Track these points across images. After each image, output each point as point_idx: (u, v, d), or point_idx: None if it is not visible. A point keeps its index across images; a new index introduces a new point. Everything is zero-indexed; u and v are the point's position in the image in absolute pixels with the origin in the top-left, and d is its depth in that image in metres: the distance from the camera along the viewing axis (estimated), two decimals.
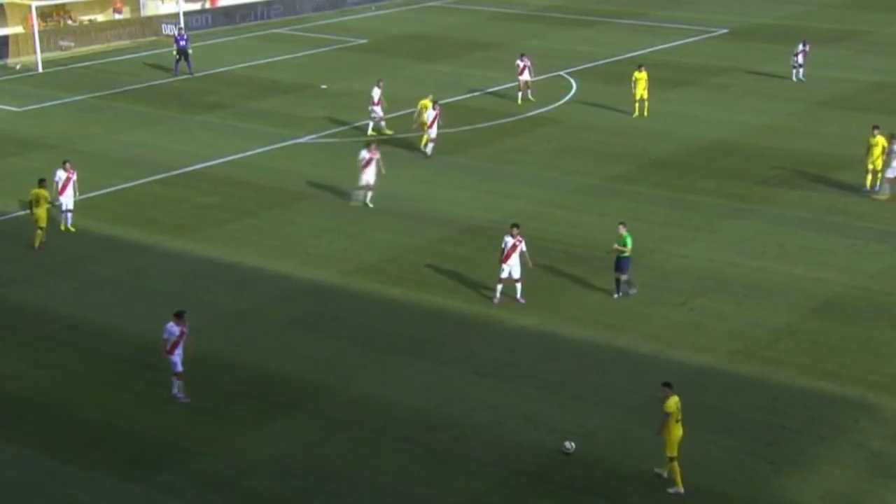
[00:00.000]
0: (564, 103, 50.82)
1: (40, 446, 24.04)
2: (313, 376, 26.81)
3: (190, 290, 31.51)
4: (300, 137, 45.52)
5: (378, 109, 45.46)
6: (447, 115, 47.60)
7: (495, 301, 30.11)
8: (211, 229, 35.90)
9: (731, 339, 28.50)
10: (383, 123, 45.91)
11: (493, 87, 53.56)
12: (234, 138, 45.55)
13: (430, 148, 42.77)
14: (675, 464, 22.34)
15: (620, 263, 30.56)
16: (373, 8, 75.54)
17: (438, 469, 23.22)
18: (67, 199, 35.73)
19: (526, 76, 50.82)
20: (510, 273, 30.02)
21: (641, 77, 48.16)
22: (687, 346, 28.20)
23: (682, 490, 22.33)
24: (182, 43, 56.31)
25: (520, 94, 50.75)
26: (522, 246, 29.96)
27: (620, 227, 30.68)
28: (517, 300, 30.15)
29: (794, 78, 54.28)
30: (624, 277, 30.65)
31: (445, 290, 30.89)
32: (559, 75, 55.45)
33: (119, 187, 39.07)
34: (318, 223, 36.50)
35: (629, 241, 30.34)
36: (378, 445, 24.05)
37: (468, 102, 50.75)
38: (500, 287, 30.18)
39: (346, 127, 46.99)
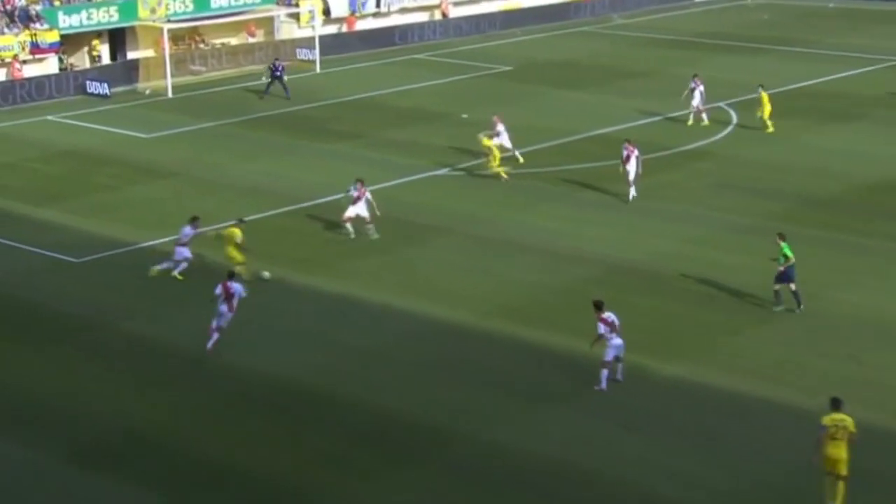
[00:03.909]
0: (723, 137, 50.20)
1: (159, 487, 24.41)
2: (444, 422, 26.77)
3: (316, 328, 31.81)
4: (437, 169, 45.76)
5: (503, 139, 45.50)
6: (594, 146, 47.51)
7: (599, 387, 28.00)
8: (340, 264, 36.23)
9: None
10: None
11: (645, 118, 53.19)
12: (366, 169, 45.81)
13: (631, 192, 41.44)
14: (841, 483, 22.69)
15: (786, 275, 31.83)
16: (518, 33, 75.86)
17: None
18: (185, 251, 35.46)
19: (695, 101, 51.15)
20: (617, 353, 28.02)
21: (765, 98, 49.95)
22: (853, 402, 27.24)
23: None
24: (277, 73, 58.09)
25: (692, 116, 51.56)
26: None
27: (778, 238, 32.12)
28: (617, 380, 28.36)
29: None
30: (793, 287, 31.80)
31: (589, 335, 30.57)
32: (718, 107, 54.79)
33: (248, 218, 39.66)
34: (454, 260, 36.57)
35: (788, 252, 31.78)
36: (513, 499, 23.83)
37: (618, 134, 50.40)
38: (605, 373, 28.13)
39: (486, 159, 47.00)
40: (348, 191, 38.65)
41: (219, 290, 29.92)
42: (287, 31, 69.96)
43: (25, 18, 60.66)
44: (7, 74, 59.31)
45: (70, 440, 26.20)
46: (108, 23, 63.66)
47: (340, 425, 26.75)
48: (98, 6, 63.03)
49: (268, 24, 69.91)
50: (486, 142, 44.05)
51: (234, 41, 68.70)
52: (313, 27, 67.35)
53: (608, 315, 27.95)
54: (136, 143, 50.98)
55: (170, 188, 44.22)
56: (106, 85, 59.26)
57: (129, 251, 37.80)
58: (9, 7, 61.15)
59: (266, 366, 29.46)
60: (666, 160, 46.75)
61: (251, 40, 68.81)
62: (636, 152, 41.33)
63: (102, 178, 45.54)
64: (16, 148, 50.01)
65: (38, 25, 60.52)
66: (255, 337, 31.26)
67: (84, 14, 62.57)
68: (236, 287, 29.80)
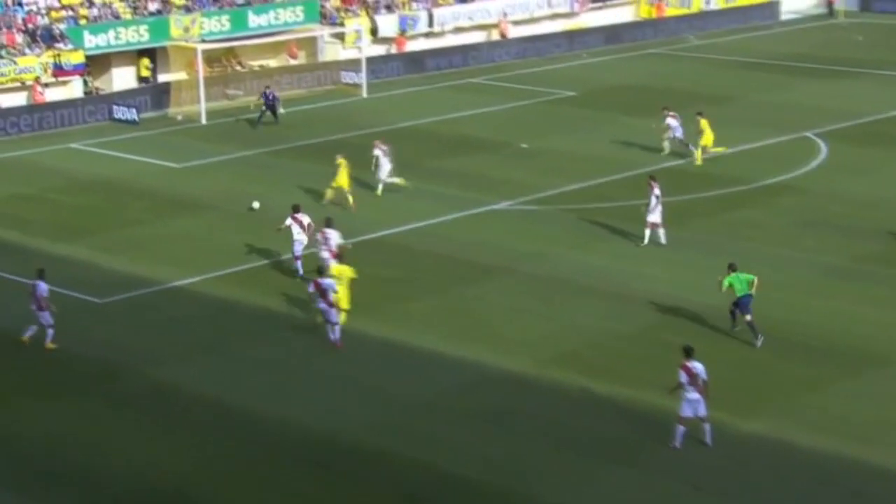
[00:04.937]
0: (811, 169, 50.07)
1: None
2: (502, 481, 26.79)
3: (362, 376, 31.98)
4: (494, 203, 45.94)
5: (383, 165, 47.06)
6: (666, 179, 47.46)
7: (673, 445, 27.88)
8: (388, 307, 36.38)
9: None
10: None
11: (724, 148, 53.12)
12: (418, 203, 46.19)
13: (648, 235, 41.20)
14: None
15: (741, 304, 33.34)
16: (584, 55, 76.07)
17: None
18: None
19: (676, 133, 51.64)
20: (696, 411, 27.88)
21: (704, 125, 50.12)
22: None
23: None
24: (270, 102, 58.45)
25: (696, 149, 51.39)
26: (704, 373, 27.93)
27: (728, 270, 33.59)
28: (705, 444, 28.12)
29: None
30: (748, 318, 33.27)
31: (659, 387, 30.52)
32: (804, 136, 54.72)
33: (285, 256, 40.04)
34: (512, 303, 36.69)
35: (733, 282, 33.32)
36: None
37: (692, 167, 50.46)
38: (681, 430, 27.94)
39: (548, 192, 47.20)
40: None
41: (311, 287, 33.75)
42: (331, 52, 70.44)
43: (48, 38, 61.48)
44: (28, 98, 60.13)
45: (91, 497, 26.43)
46: (138, 43, 64.40)
47: (387, 484, 26.82)
48: (127, 25, 63.79)
49: (310, 44, 70.45)
50: (341, 162, 45.41)
51: (273, 63, 69.29)
52: (360, 48, 67.78)
53: (694, 364, 27.72)
54: (166, 173, 51.52)
55: (203, 223, 44.63)
56: (134, 110, 59.81)
57: (159, 291, 38.14)
58: (30, 25, 62.02)
59: (305, 417, 29.62)
60: (745, 195, 46.67)
61: (292, 62, 69.36)
62: (656, 190, 41.03)
63: (130, 212, 46.07)
64: (37, 178, 50.70)
65: (61, 45, 61.36)
66: (293, 385, 31.47)
67: (111, 33, 63.33)
68: (328, 283, 33.45)
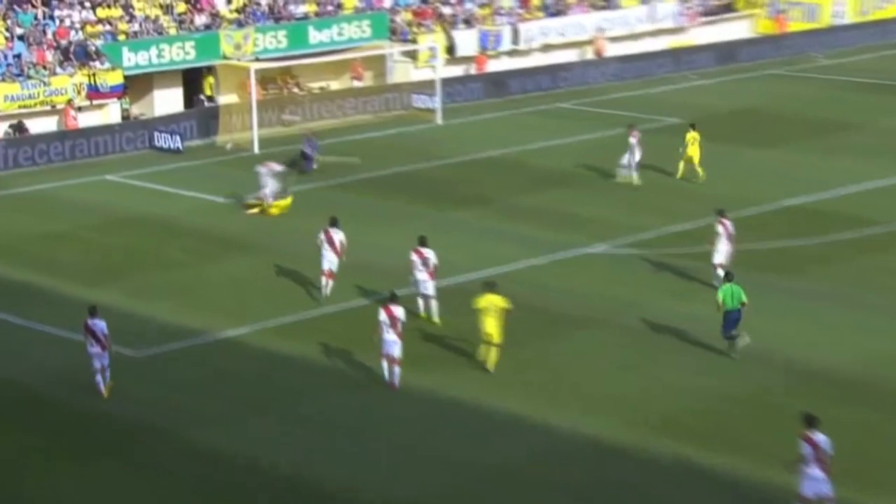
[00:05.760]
0: None
1: None
2: None
3: (428, 440, 32.07)
4: (586, 246, 45.94)
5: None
6: (784, 220, 47.38)
7: None
8: (459, 361, 36.45)
9: None
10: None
11: (854, 183, 52.81)
12: (498, 244, 46.30)
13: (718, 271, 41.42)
14: None
15: (725, 320, 35.78)
16: (692, 77, 76.02)
17: None
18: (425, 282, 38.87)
19: (636, 156, 53.02)
20: (818, 490, 27.07)
21: (693, 138, 52.18)
22: None
23: None
24: (308, 151, 56.91)
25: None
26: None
27: (724, 279, 36.21)
28: None
29: None
30: (734, 332, 35.79)
31: (772, 458, 30.37)
32: None
33: (349, 304, 40.29)
34: (603, 358, 36.68)
35: (720, 295, 35.76)
36: None
37: (815, 205, 50.21)
38: None
39: (648, 234, 47.15)
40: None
41: (383, 315, 33.92)
42: (402, 72, 70.69)
43: (83, 55, 62.24)
44: (59, 123, 60.90)
45: None
46: (183, 62, 65.10)
47: None
48: (171, 41, 64.45)
49: (378, 64, 70.76)
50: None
51: (335, 85, 69.72)
52: (434, 68, 67.88)
53: (818, 436, 27.07)
54: (213, 209, 52.00)
55: (254, 266, 44.89)
56: (178, 138, 60.35)
57: (202, 343, 38.46)
58: (63, 41, 62.81)
59: (363, 485, 29.70)
60: (882, 239, 46.32)
61: (357, 84, 69.66)
62: (718, 228, 41.65)
63: (172, 252, 46.56)
64: (68, 214, 51.37)
65: (97, 64, 62.09)
66: (350, 449, 31.56)
67: (153, 51, 64.00)
68: (400, 312, 34.00)
